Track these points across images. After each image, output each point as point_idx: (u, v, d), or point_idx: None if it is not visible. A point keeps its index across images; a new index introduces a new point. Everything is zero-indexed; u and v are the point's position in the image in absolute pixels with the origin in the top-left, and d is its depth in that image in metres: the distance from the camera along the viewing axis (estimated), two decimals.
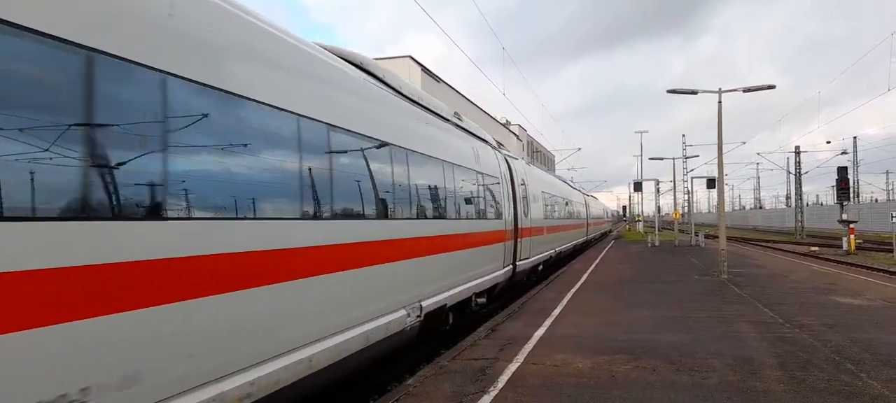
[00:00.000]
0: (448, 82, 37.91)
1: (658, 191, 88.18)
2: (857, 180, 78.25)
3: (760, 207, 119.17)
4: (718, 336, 9.45)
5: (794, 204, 60.85)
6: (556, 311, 11.97)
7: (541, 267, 18.85)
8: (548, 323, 10.71)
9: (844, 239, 32.70)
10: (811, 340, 8.98)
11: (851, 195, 72.32)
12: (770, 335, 9.42)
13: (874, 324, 10.22)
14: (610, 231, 71.57)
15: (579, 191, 41.14)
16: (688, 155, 49.47)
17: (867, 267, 23.06)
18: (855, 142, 78.19)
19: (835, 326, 10.06)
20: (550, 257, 20.69)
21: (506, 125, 51.61)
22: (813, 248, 36.55)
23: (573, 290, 15.36)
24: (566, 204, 26.49)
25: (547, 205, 20.09)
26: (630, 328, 10.19)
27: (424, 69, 34.01)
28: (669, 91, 19.46)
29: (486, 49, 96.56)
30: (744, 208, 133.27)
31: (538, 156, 62.82)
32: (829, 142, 79.88)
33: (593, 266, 22.95)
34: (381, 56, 30.68)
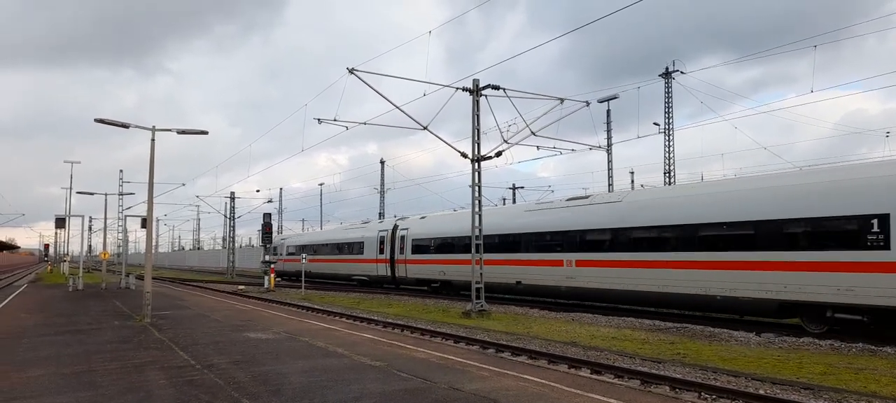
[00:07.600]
0: None
1: (90, 228, 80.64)
2: (282, 225, 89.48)
3: (199, 248, 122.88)
4: (125, 388, 8.69)
5: (228, 246, 64.84)
6: None
7: None
8: None
9: (266, 277, 36.47)
10: (217, 379, 9.18)
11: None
12: (180, 379, 9.22)
13: (274, 356, 11.28)
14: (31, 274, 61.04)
15: None
16: (125, 192, 47.02)
17: (280, 303, 26.08)
18: (281, 192, 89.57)
19: (242, 362, 10.64)
20: None
21: None
22: (240, 287, 39.45)
23: None
24: None
25: None
26: (15, 394, 8.37)
27: None
28: (98, 120, 17.82)
29: None
30: (183, 248, 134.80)
31: None
32: (258, 191, 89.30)
33: None
34: None
